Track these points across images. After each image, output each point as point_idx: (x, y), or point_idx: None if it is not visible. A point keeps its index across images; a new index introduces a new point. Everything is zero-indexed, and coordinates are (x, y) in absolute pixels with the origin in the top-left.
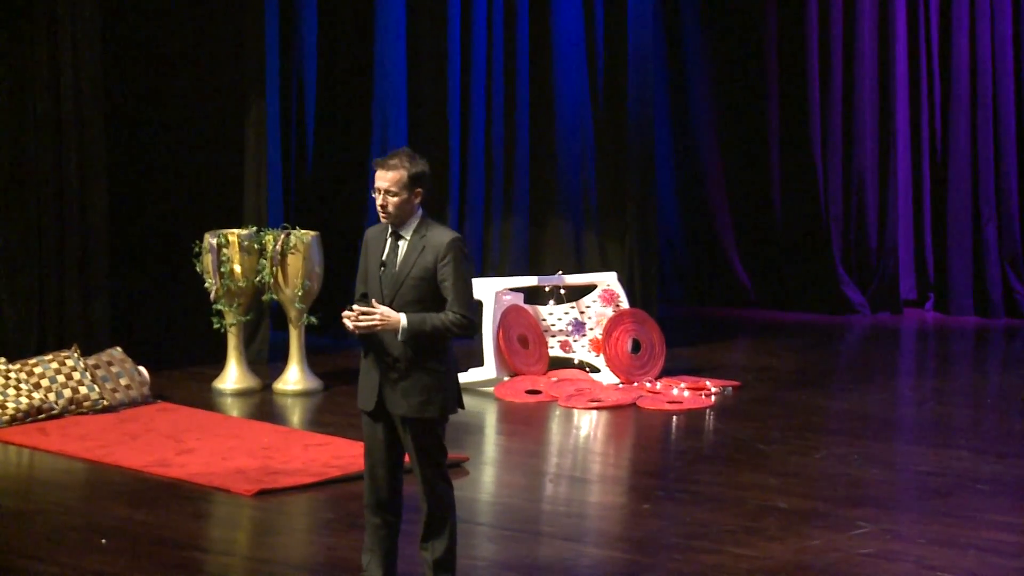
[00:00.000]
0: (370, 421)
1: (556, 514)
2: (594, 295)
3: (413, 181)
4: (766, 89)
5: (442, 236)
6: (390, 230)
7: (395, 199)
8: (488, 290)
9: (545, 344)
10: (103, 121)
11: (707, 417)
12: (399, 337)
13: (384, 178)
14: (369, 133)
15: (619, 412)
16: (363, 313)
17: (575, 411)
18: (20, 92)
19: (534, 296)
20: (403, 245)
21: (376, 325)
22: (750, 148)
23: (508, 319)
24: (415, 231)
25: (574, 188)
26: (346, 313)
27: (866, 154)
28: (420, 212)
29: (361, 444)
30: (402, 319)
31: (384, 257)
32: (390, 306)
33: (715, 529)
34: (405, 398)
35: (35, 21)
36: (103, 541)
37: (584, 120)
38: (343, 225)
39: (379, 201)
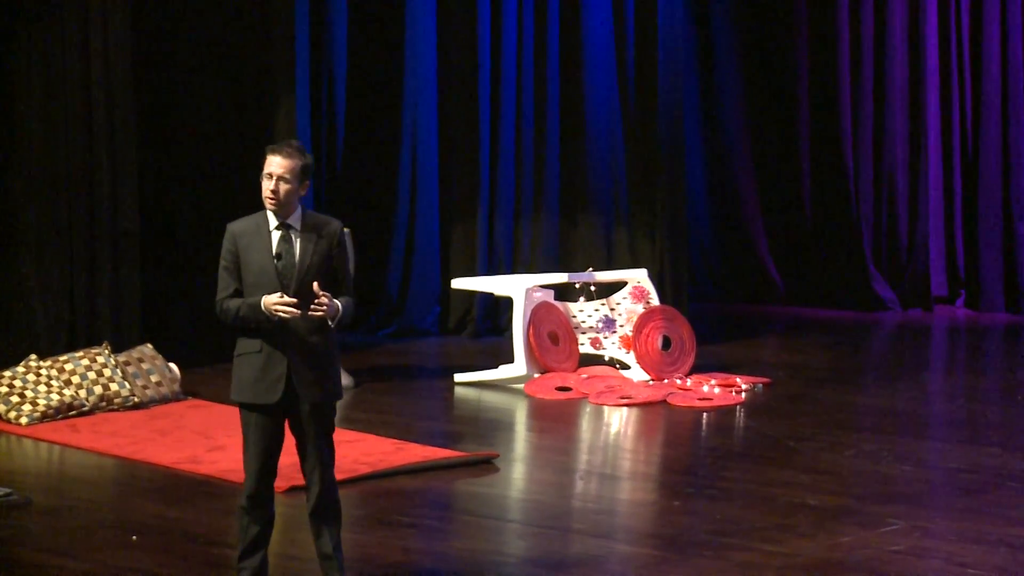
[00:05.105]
0: (263, 416)
1: (586, 511)
2: (624, 292)
3: (304, 172)
4: (797, 86)
5: (333, 223)
6: (275, 222)
7: (287, 187)
8: (518, 287)
9: (575, 341)
10: (134, 118)
11: (737, 414)
12: (332, 323)
13: (280, 165)
14: (399, 129)
15: (649, 409)
16: (317, 303)
17: (605, 408)
18: (52, 91)
19: (564, 293)
20: (296, 236)
21: (328, 312)
22: (780, 145)
23: (538, 316)
24: (303, 221)
25: (604, 185)
26: (287, 306)
27: (897, 150)
28: (300, 204)
29: (392, 441)
30: (340, 305)
31: (276, 249)
32: (295, 295)
33: (745, 526)
34: (320, 384)
35: (66, 20)
36: (134, 538)
37: (614, 117)
38: (374, 221)
39: (270, 186)
